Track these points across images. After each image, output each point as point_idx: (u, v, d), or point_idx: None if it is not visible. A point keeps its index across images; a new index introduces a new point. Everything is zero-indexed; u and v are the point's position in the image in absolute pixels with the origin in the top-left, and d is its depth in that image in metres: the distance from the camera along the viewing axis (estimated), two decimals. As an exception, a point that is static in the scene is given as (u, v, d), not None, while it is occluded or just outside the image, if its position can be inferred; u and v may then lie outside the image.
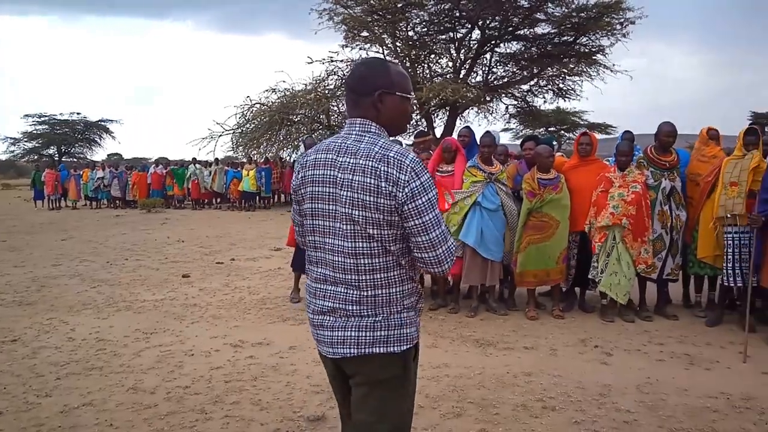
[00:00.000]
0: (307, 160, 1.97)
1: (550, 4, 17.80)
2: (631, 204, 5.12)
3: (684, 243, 5.47)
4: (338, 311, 1.91)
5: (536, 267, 5.46)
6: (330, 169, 1.87)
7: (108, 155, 43.42)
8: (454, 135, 11.64)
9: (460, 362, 4.42)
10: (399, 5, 17.88)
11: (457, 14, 18.71)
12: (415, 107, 19.34)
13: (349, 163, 1.83)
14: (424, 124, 19.96)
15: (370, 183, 1.78)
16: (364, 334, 1.86)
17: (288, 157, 20.47)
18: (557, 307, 5.61)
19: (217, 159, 20.15)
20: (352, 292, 1.87)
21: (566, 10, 17.94)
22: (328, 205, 1.89)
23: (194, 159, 20.36)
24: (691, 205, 5.38)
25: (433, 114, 20.45)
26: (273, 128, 19.22)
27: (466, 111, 20.19)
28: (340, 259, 1.88)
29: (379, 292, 1.87)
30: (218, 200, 20.85)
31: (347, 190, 1.82)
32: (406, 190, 1.77)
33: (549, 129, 34.11)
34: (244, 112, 19.03)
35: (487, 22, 18.83)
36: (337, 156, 1.87)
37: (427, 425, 3.40)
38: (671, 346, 4.74)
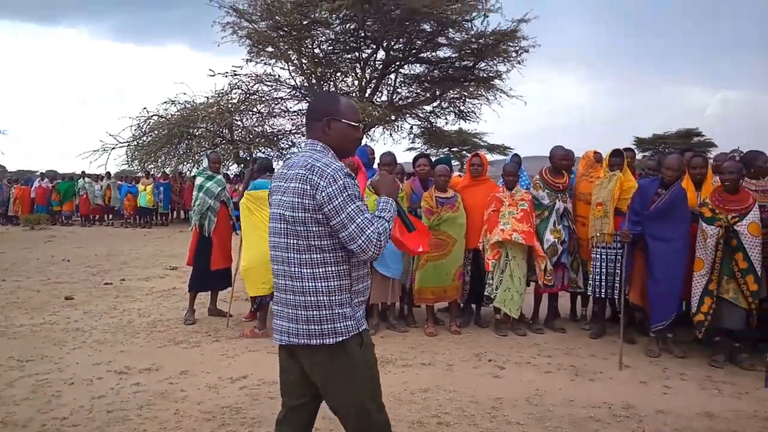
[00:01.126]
0: (275, 174, 2.39)
1: (451, 30, 18.41)
2: (520, 221, 5.35)
3: (583, 260, 5.75)
4: (284, 301, 2.24)
5: (434, 284, 5.56)
6: (279, 180, 2.28)
7: (-11, 167, 40.00)
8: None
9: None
10: (305, 23, 17.84)
11: (362, 35, 18.95)
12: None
13: (288, 173, 2.22)
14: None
15: (298, 187, 2.15)
16: (302, 326, 2.18)
17: (188, 172, 19.73)
18: (454, 323, 5.74)
19: (109, 173, 19.07)
20: (291, 283, 2.20)
21: (466, 36, 18.64)
22: (275, 209, 2.25)
23: (83, 172, 19.15)
24: (583, 224, 5.70)
25: (339, 131, 20.52)
26: (172, 141, 18.47)
27: (372, 129, 20.41)
28: (281, 254, 2.23)
29: (311, 285, 2.16)
30: (110, 216, 19.71)
31: (284, 195, 2.20)
32: (323, 193, 2.10)
33: (452, 149, 35.20)
34: (140, 125, 18.16)
35: (392, 43, 19.21)
36: (285, 169, 2.28)
37: (322, 447, 3.34)
38: (559, 358, 4.97)
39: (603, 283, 5.32)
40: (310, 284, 2.16)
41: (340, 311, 2.17)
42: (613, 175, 5.31)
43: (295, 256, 2.18)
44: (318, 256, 2.16)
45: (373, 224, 2.15)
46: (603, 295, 5.39)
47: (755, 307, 4.63)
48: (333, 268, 2.17)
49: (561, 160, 5.65)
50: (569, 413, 3.83)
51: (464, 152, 35.48)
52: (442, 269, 5.53)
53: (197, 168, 17.43)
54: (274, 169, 6.03)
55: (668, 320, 4.95)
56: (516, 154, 6.60)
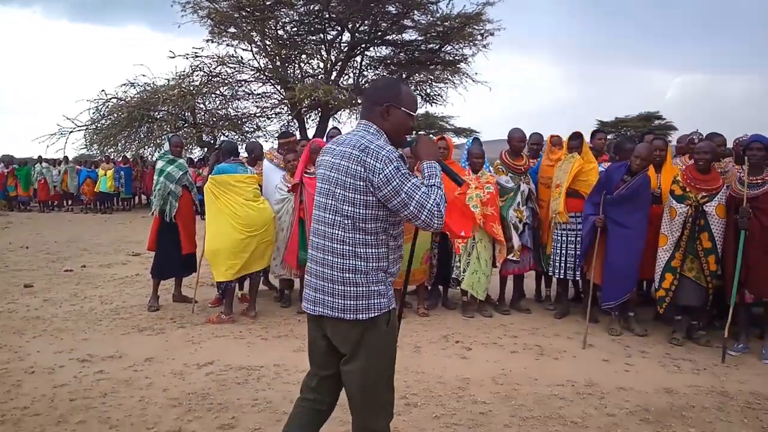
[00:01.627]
0: (323, 149, 2.44)
1: (416, 12, 18.31)
2: (486, 204, 5.40)
3: (539, 242, 5.86)
4: (320, 275, 2.29)
5: (401, 267, 5.56)
6: (328, 155, 2.33)
7: (-63, 152, 38.33)
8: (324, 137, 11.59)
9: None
10: (267, 3, 17.51)
11: (327, 16, 18.70)
12: (287, 107, 19.10)
13: (341, 151, 2.26)
14: (296, 125, 19.75)
15: (351, 167, 2.19)
16: (338, 300, 2.24)
17: (150, 156, 19.26)
18: (422, 305, 5.78)
19: (66, 157, 18.51)
20: (331, 258, 2.25)
21: (431, 19, 18.56)
22: (323, 184, 2.31)
23: (40, 157, 18.54)
24: (542, 207, 5.80)
25: (305, 115, 20.28)
26: (132, 125, 17.99)
27: (338, 112, 20.25)
28: (324, 229, 2.28)
29: (351, 263, 2.22)
30: (69, 202, 19.16)
31: (333, 171, 2.26)
32: (381, 176, 2.14)
33: (419, 132, 35.14)
34: (99, 107, 17.62)
35: (357, 25, 19.01)
36: (336, 146, 2.31)
37: (290, 431, 3.33)
38: (524, 338, 5.06)
39: (563, 264, 5.43)
40: (351, 262, 2.22)
41: (375, 289, 2.23)
42: (571, 157, 5.39)
43: (339, 233, 2.23)
44: (361, 236, 2.21)
45: (430, 197, 2.18)
46: (563, 276, 5.50)
47: (712, 287, 4.78)
48: (374, 250, 2.23)
49: (519, 142, 5.72)
50: (534, 392, 3.91)
51: (431, 135, 35.64)
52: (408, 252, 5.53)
53: (158, 152, 17.07)
54: (239, 152, 5.92)
55: (618, 300, 5.08)
56: (476, 137, 6.64)
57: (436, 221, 2.20)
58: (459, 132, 34.65)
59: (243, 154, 6.66)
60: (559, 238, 5.47)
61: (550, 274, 5.73)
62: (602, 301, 5.18)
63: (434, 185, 2.25)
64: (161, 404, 3.70)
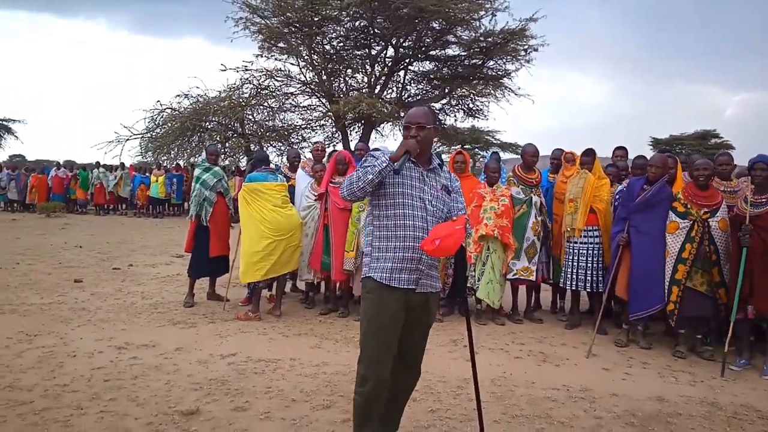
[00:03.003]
0: None
1: (459, 28, 18.61)
2: (500, 216, 5.64)
3: (552, 255, 6.06)
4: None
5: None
6: None
7: (9, 156, 40.73)
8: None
9: (339, 361, 4.71)
10: (315, 19, 18.14)
11: (372, 32, 19.21)
12: (331, 120, 19.67)
13: None
14: (341, 137, 20.29)
15: None
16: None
17: (201, 165, 20.10)
18: (437, 311, 6.04)
19: (122, 163, 19.57)
20: None
21: (474, 35, 18.82)
22: None
23: (98, 162, 19.67)
24: (556, 222, 6.00)
25: (349, 127, 20.82)
26: (185, 134, 18.89)
27: (381, 125, 20.69)
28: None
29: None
30: (124, 206, 20.23)
31: None
32: None
33: (464, 146, 35.33)
34: (154, 117, 18.61)
35: (401, 41, 19.44)
36: None
37: (296, 416, 3.67)
38: (531, 345, 5.26)
39: (575, 276, 5.61)
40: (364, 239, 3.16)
41: (368, 259, 3.02)
42: (584, 173, 5.58)
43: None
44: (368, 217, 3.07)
45: (351, 175, 2.85)
46: (575, 288, 5.68)
47: (720, 298, 4.90)
48: (371, 229, 3.03)
49: (531, 157, 5.97)
50: (529, 393, 4.13)
51: (476, 150, 35.69)
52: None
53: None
54: (269, 162, 6.35)
55: (648, 311, 5.18)
56: (495, 152, 6.90)
57: (344, 192, 2.85)
58: (505, 147, 34.55)
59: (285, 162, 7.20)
60: (571, 251, 5.66)
61: (562, 285, 5.90)
62: (630, 311, 5.29)
63: (359, 167, 2.84)
64: (184, 387, 4.09)
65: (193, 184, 6.45)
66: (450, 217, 2.99)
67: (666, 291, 5.04)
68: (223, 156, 19.96)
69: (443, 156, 18.24)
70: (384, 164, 2.77)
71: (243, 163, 20.85)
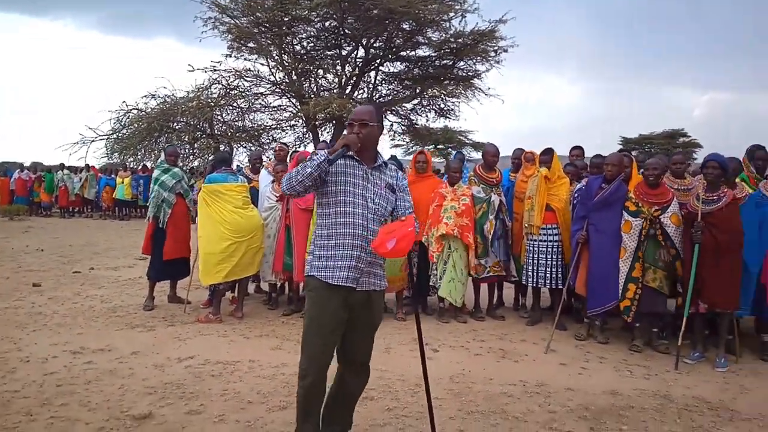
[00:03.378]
0: None
1: (429, 30, 18.67)
2: (461, 216, 5.68)
3: (514, 255, 6.12)
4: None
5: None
6: None
7: (-28, 158, 39.69)
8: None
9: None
10: (285, 19, 18.03)
11: (342, 32, 19.17)
12: (302, 120, 19.57)
13: None
14: (311, 137, 20.20)
15: None
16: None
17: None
18: (400, 310, 6.05)
19: (87, 165, 19.21)
20: None
21: (445, 36, 18.90)
22: None
23: (62, 164, 19.28)
24: (516, 220, 6.06)
25: (320, 128, 20.74)
26: (152, 135, 18.60)
27: (351, 126, 20.63)
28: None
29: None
30: (89, 208, 19.84)
31: None
32: None
33: (437, 146, 35.60)
34: (120, 118, 18.29)
35: (371, 41, 19.44)
36: None
37: (251, 418, 3.64)
38: (491, 342, 5.30)
39: (535, 274, 5.67)
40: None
41: (310, 258, 3.04)
42: (540, 171, 5.65)
43: None
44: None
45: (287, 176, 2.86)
46: (536, 285, 5.74)
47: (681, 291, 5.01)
48: (317, 228, 3.04)
49: (492, 156, 6.04)
50: (486, 390, 4.16)
51: (450, 149, 35.92)
52: (388, 261, 5.81)
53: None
54: (230, 163, 6.29)
55: (604, 307, 5.25)
56: (460, 152, 6.95)
57: (284, 186, 2.86)
58: (477, 146, 34.81)
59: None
60: (531, 248, 5.72)
61: (523, 283, 5.96)
62: (587, 307, 5.38)
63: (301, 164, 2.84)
64: (138, 392, 4.02)
65: (152, 185, 6.34)
66: (397, 216, 2.99)
67: (622, 288, 5.12)
68: (191, 157, 19.73)
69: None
70: (322, 158, 2.77)
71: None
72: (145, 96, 18.86)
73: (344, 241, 2.85)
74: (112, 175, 19.00)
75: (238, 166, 7.67)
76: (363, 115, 2.91)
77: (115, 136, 18.53)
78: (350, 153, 2.89)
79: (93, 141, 18.23)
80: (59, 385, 4.09)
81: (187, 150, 19.47)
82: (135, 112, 18.41)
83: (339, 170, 2.90)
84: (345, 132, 2.99)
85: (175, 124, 18.81)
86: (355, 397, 3.24)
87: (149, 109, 18.59)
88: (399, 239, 2.69)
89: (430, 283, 5.97)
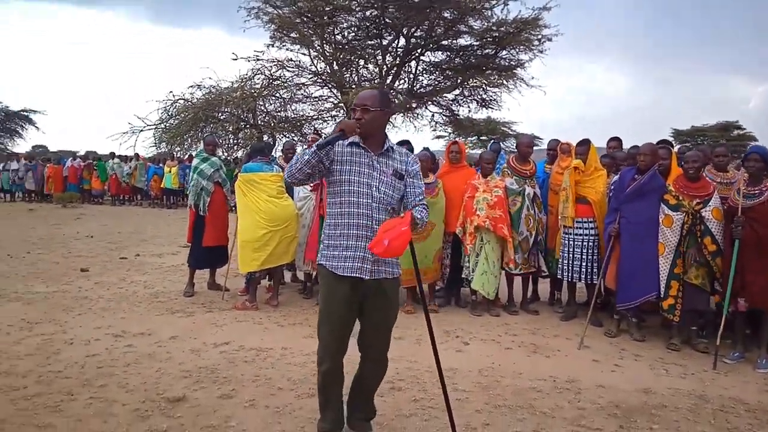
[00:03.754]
0: None
1: (471, 18, 18.43)
2: (493, 207, 5.62)
3: (546, 247, 6.04)
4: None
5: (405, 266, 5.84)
6: None
7: (33, 147, 41.37)
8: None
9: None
10: (327, 9, 18.11)
11: (384, 22, 19.11)
12: (343, 110, 19.65)
13: None
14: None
15: None
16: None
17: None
18: (432, 302, 6.05)
19: (137, 154, 19.79)
20: None
21: (487, 24, 18.63)
22: None
23: (113, 153, 19.93)
24: (551, 213, 5.97)
25: (360, 118, 20.80)
26: (197, 125, 19.02)
27: (393, 116, 20.64)
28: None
29: None
30: (139, 197, 20.48)
31: None
32: None
33: (480, 137, 35.35)
34: (167, 108, 18.75)
35: (412, 31, 19.32)
36: None
37: (280, 404, 3.72)
38: (523, 336, 5.25)
39: (571, 268, 5.58)
40: None
41: (322, 246, 3.09)
42: (575, 163, 5.54)
43: None
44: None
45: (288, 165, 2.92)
46: (571, 279, 5.65)
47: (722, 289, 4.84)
48: (326, 220, 3.11)
49: (526, 147, 5.95)
50: (514, 384, 4.13)
51: (493, 140, 35.55)
52: (421, 251, 5.81)
53: (222, 151, 17.98)
54: (266, 152, 6.39)
55: (634, 302, 5.14)
56: (495, 142, 6.87)
57: (286, 174, 2.91)
58: (520, 137, 34.34)
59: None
60: (566, 242, 5.63)
61: (559, 277, 5.88)
62: (617, 302, 5.27)
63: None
64: (174, 375, 4.16)
65: (191, 174, 6.52)
66: (407, 204, 2.96)
67: (665, 286, 4.98)
68: (236, 147, 20.07)
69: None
70: (324, 142, 2.78)
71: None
72: (191, 86, 19.26)
73: (350, 231, 2.87)
74: (160, 165, 19.54)
75: (272, 155, 7.76)
76: (365, 101, 2.86)
77: (162, 126, 19.03)
78: (356, 140, 2.86)
79: (141, 131, 18.77)
80: (100, 367, 4.27)
81: (231, 140, 19.87)
82: (181, 102, 18.85)
83: (345, 158, 2.88)
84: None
85: (219, 114, 19.17)
86: (371, 387, 3.24)
87: (195, 99, 19.00)
88: (392, 239, 2.63)
89: (463, 276, 5.95)
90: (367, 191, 2.87)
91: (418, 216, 2.83)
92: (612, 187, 5.45)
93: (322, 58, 19.28)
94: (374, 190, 2.87)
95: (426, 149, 6.89)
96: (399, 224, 2.69)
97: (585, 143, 5.62)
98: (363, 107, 2.84)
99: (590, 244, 5.54)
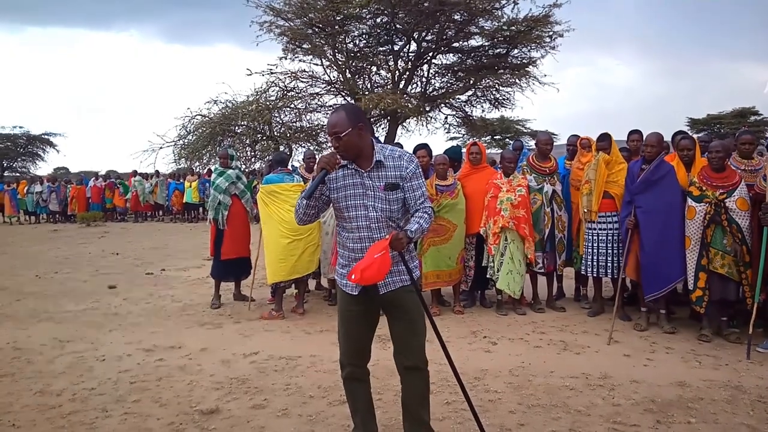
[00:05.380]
0: None
1: (481, 19, 18.42)
2: (517, 207, 5.60)
3: (570, 242, 6.00)
4: None
5: (437, 268, 5.86)
6: None
7: (54, 169, 42.17)
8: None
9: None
10: (338, 18, 18.24)
11: (395, 27, 19.19)
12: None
13: None
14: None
15: None
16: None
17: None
18: (458, 303, 6.04)
19: (157, 171, 20.07)
20: None
21: (497, 24, 18.60)
22: None
23: (134, 171, 20.24)
24: (573, 209, 5.92)
25: (375, 124, 20.88)
26: (215, 139, 19.25)
27: (407, 120, 20.68)
28: None
29: None
30: (161, 212, 20.75)
31: None
32: None
33: (494, 137, 35.26)
34: (185, 124, 19.02)
35: (423, 35, 19.37)
36: None
37: (312, 412, 3.74)
38: (551, 334, 5.21)
39: (595, 263, 5.53)
40: None
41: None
42: (599, 156, 5.50)
43: None
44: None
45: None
46: (596, 275, 5.60)
47: (747, 279, 4.76)
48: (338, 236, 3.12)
49: (545, 145, 5.92)
50: (546, 382, 4.10)
51: (507, 140, 35.42)
52: (444, 253, 5.83)
53: (239, 164, 18.18)
54: (286, 163, 6.44)
55: (662, 290, 5.08)
56: (519, 140, 6.84)
57: (296, 219, 3.00)
58: (535, 135, 34.18)
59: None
60: (590, 237, 5.58)
61: (582, 273, 5.83)
62: (644, 293, 5.22)
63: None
64: (206, 387, 4.21)
65: (210, 189, 6.61)
66: (410, 209, 2.94)
67: (693, 278, 4.92)
68: (253, 159, 20.24)
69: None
70: (310, 188, 2.82)
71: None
72: (208, 102, 19.53)
73: (352, 254, 2.92)
74: (181, 180, 19.77)
75: (293, 166, 7.86)
76: (333, 128, 2.80)
77: (181, 142, 19.29)
78: (344, 163, 2.84)
79: (161, 148, 19.05)
80: (133, 382, 4.32)
81: (248, 152, 20.07)
82: (199, 118, 19.10)
83: (339, 185, 2.87)
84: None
85: (236, 127, 19.39)
86: (415, 392, 3.21)
87: (212, 115, 19.25)
88: (363, 269, 2.60)
89: (488, 276, 5.93)
90: (363, 213, 2.84)
91: (414, 228, 2.77)
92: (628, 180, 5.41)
93: (334, 67, 19.42)
94: (369, 210, 2.83)
95: (458, 146, 6.90)
96: (375, 250, 2.64)
97: (606, 138, 5.57)
98: (334, 135, 2.79)
99: (614, 238, 5.49)
